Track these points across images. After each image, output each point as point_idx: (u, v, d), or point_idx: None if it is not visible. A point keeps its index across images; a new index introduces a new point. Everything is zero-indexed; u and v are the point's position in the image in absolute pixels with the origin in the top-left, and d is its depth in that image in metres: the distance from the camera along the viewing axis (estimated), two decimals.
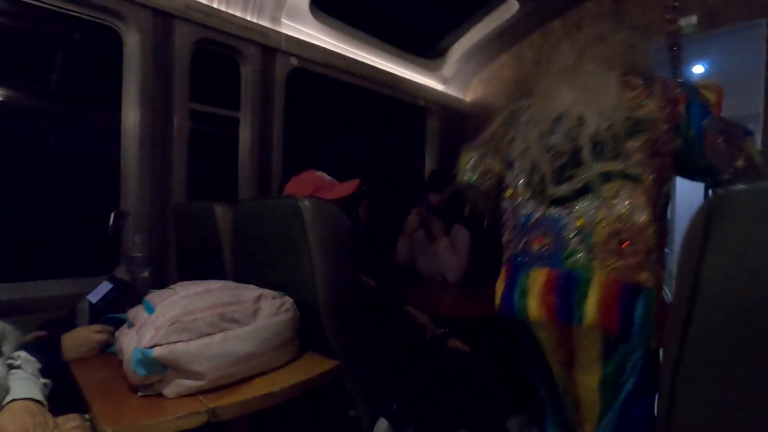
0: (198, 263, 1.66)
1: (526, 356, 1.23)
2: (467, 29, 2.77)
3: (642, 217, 0.99)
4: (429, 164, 3.04)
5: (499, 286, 1.17)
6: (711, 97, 1.08)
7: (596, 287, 0.98)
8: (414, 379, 1.25)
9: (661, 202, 1.03)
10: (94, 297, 1.39)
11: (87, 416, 0.85)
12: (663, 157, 1.04)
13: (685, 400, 0.54)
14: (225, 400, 0.88)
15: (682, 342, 0.52)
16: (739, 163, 0.99)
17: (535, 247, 1.09)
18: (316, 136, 2.71)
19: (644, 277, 0.97)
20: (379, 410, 1.17)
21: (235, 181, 2.09)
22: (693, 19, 2.27)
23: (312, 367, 1.06)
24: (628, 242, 0.98)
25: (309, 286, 1.10)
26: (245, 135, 2.06)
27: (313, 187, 1.39)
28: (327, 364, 1.07)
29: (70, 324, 1.35)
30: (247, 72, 2.04)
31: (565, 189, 1.07)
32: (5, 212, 1.72)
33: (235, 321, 0.97)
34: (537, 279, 1.06)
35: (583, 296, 0.99)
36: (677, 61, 1.21)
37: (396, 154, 3.12)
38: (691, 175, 1.12)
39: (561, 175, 1.08)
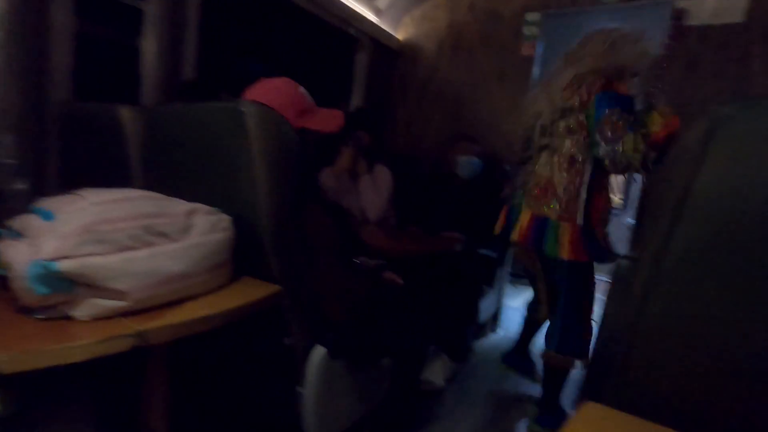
0: (92, 175, 1.38)
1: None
2: None
3: (561, 177, 1.45)
4: (356, 101, 2.91)
5: (501, 217, 1.72)
6: (657, 120, 1.29)
7: (557, 229, 1.45)
8: (353, 308, 1.23)
9: (579, 166, 1.43)
10: None
11: None
12: (577, 134, 1.43)
13: (658, 302, 0.57)
14: (155, 323, 0.75)
15: (665, 243, 0.55)
16: (619, 149, 1.28)
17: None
18: (236, 55, 2.39)
19: (557, 215, 1.46)
20: (315, 338, 1.14)
21: (134, 89, 1.76)
22: None
23: (251, 291, 0.96)
24: (552, 192, 1.47)
25: (249, 204, 0.98)
26: (151, 30, 1.72)
27: (298, 108, 1.13)
28: (267, 289, 0.98)
29: None
30: None
31: (524, 156, 1.62)
32: None
33: (164, 235, 0.83)
34: (524, 217, 1.56)
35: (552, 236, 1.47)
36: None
37: (323, 85, 2.92)
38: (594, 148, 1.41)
39: (526, 147, 1.62)
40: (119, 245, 0.76)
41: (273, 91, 1.13)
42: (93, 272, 0.71)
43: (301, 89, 1.18)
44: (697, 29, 2.17)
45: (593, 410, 0.62)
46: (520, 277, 2.54)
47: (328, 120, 1.20)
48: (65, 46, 1.49)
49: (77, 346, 0.65)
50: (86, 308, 0.73)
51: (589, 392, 0.68)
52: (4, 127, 1.34)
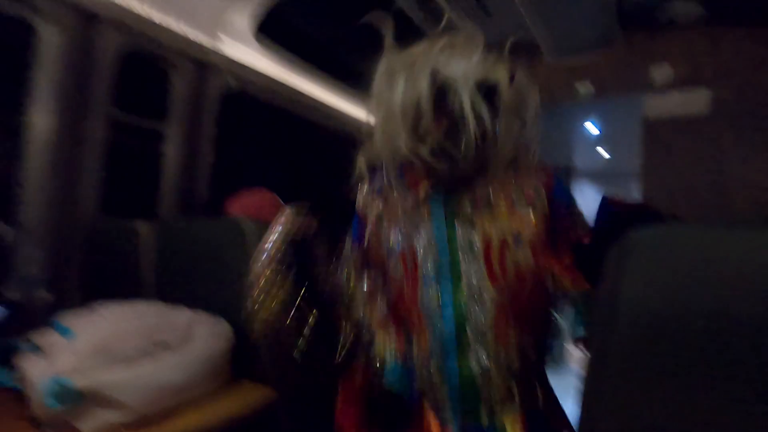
0: (109, 286, 1.49)
1: None
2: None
3: None
4: None
5: None
6: None
7: None
8: None
9: None
10: None
11: None
12: None
13: (601, 407, 0.62)
14: None
15: (603, 356, 0.61)
16: None
17: None
18: (245, 159, 2.64)
19: None
20: None
21: (152, 199, 1.95)
22: (588, 85, 2.69)
23: (247, 395, 1.01)
24: None
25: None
26: (171, 151, 1.95)
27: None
28: (262, 393, 1.03)
29: None
30: (179, 86, 1.95)
31: None
32: None
33: (166, 346, 0.90)
34: None
35: None
36: None
37: (328, 184, 3.13)
38: None
39: None
40: (128, 360, 0.83)
41: (249, 202, 1.30)
42: (103, 387, 0.78)
43: (274, 195, 1.33)
44: (670, 120, 2.36)
45: None
46: None
47: None
48: (97, 159, 1.68)
49: None
50: (91, 421, 0.79)
51: None
52: (35, 241, 1.49)
